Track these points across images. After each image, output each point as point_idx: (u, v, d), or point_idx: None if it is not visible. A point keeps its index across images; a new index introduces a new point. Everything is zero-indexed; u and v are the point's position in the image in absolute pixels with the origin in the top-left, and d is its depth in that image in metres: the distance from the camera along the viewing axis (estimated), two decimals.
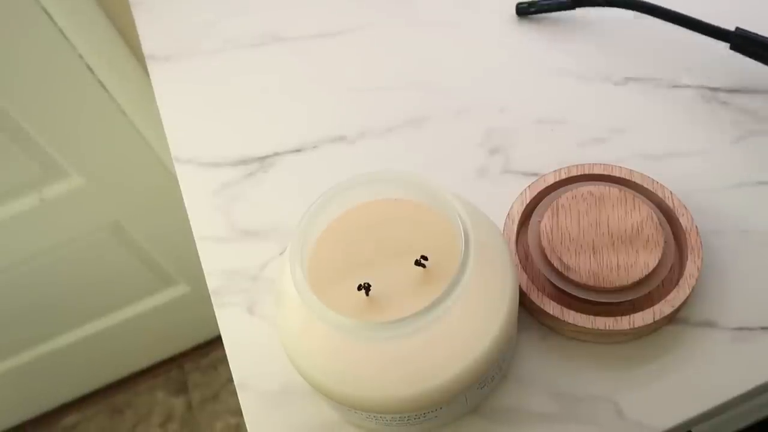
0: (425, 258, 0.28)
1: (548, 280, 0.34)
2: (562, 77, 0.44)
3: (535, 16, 0.47)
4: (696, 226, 0.34)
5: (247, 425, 0.34)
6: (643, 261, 0.33)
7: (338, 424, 0.33)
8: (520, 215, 0.36)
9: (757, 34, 0.34)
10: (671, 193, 0.35)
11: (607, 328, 0.32)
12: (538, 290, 0.33)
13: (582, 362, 0.34)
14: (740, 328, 0.34)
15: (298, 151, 0.43)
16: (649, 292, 0.33)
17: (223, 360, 1.04)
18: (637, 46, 0.45)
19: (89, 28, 0.59)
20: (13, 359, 0.91)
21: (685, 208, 0.35)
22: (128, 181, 0.74)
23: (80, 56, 0.59)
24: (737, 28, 0.31)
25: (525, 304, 0.34)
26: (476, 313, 0.28)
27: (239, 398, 0.35)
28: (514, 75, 0.45)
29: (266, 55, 0.48)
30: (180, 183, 0.43)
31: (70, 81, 0.61)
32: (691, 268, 0.33)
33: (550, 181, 0.37)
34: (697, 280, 0.33)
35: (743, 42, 0.35)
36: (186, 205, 0.42)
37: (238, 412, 0.95)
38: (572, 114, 0.42)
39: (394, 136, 0.43)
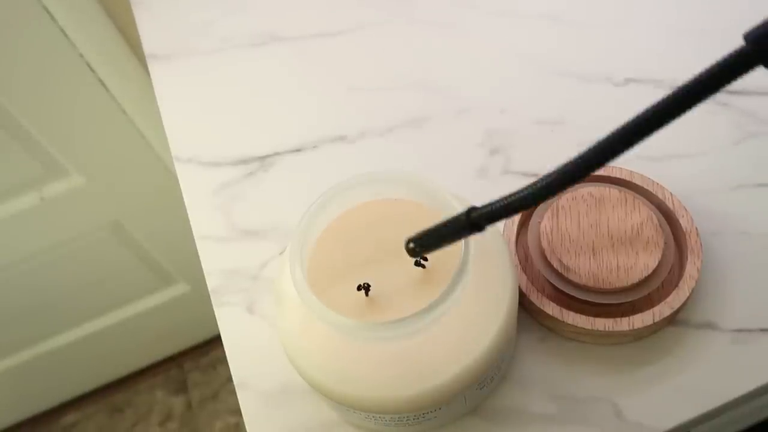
0: (425, 258, 0.28)
1: (548, 281, 0.34)
2: (562, 78, 0.44)
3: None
4: (696, 228, 0.34)
5: (246, 425, 0.34)
6: (643, 262, 0.32)
7: (338, 424, 0.33)
8: (520, 216, 0.36)
9: None
10: (671, 194, 0.35)
11: (607, 329, 0.32)
12: (537, 291, 0.33)
13: (581, 363, 0.34)
14: (740, 330, 0.34)
15: (298, 150, 0.43)
16: (649, 294, 0.33)
17: (223, 359, 1.04)
18: (637, 46, 0.45)
19: (90, 26, 0.59)
20: (12, 358, 0.91)
21: (685, 209, 0.35)
22: (128, 180, 0.74)
23: (81, 55, 0.59)
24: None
25: (525, 305, 0.34)
26: (476, 314, 0.28)
27: (239, 398, 0.35)
28: (514, 75, 0.45)
29: (266, 55, 0.48)
30: (180, 182, 0.43)
31: (70, 80, 0.61)
32: (690, 269, 0.33)
33: None
34: (696, 281, 0.33)
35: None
36: (186, 205, 0.42)
37: (238, 412, 0.95)
38: (572, 115, 0.42)
39: (394, 136, 0.43)
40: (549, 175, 0.20)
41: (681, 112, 0.19)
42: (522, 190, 0.21)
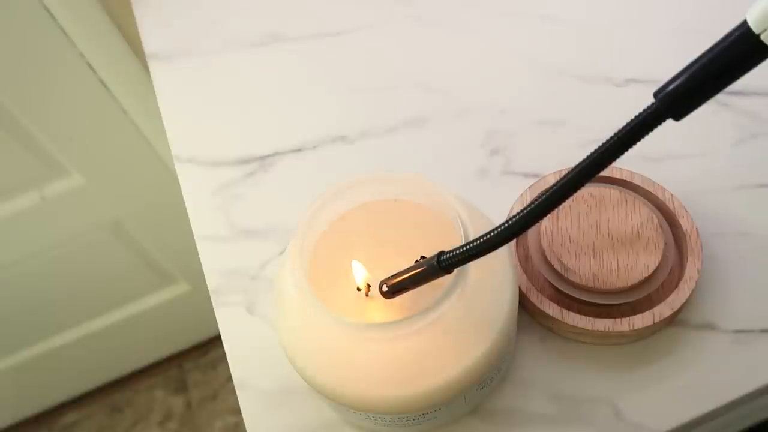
0: (425, 258, 0.28)
1: (548, 281, 0.34)
2: (563, 78, 0.44)
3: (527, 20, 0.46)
4: (696, 228, 0.34)
5: (246, 425, 0.34)
6: (643, 263, 0.32)
7: (338, 424, 0.33)
8: None
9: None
10: (672, 195, 0.35)
11: (607, 329, 0.32)
12: (537, 291, 0.33)
13: (581, 364, 0.33)
14: (740, 331, 0.34)
15: (298, 151, 0.43)
16: (649, 294, 0.33)
17: (223, 359, 1.04)
18: (638, 47, 0.45)
19: (90, 26, 0.59)
20: (12, 357, 0.91)
21: (686, 210, 0.35)
22: (129, 180, 0.74)
23: (81, 55, 0.59)
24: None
25: (525, 306, 0.34)
26: (476, 314, 0.28)
27: (238, 398, 0.35)
28: (515, 76, 0.45)
29: (266, 55, 0.48)
30: (180, 182, 0.43)
31: (71, 79, 0.61)
32: (691, 270, 0.33)
33: (551, 182, 0.37)
34: (696, 282, 0.33)
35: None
36: (186, 205, 0.42)
37: (238, 412, 0.95)
38: (573, 115, 0.42)
39: (394, 136, 0.43)
40: (509, 221, 0.23)
41: (603, 167, 0.21)
42: (486, 234, 0.23)
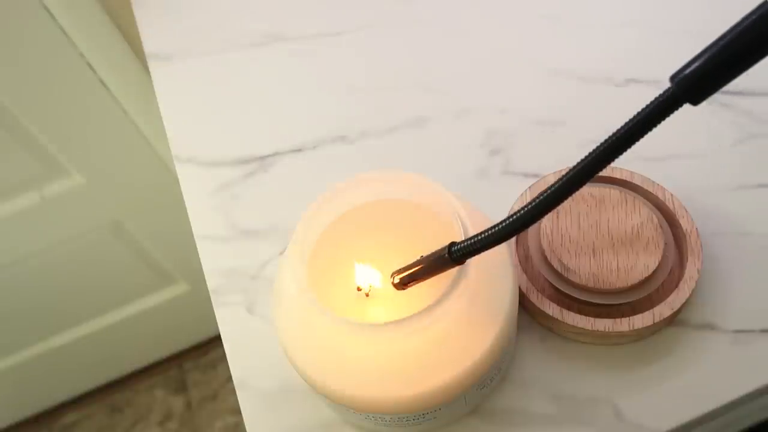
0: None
1: (548, 281, 0.34)
2: (563, 78, 0.44)
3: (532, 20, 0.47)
4: (696, 228, 0.34)
5: (246, 425, 0.34)
6: (643, 263, 0.32)
7: (337, 424, 0.33)
8: None
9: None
10: (672, 195, 0.35)
11: (607, 329, 0.32)
12: (537, 291, 0.33)
13: (581, 364, 0.33)
14: (740, 331, 0.34)
15: (298, 151, 0.43)
16: (649, 294, 0.33)
17: (223, 359, 1.04)
18: (638, 47, 0.45)
19: (90, 26, 0.59)
20: (12, 357, 0.91)
21: (686, 210, 0.35)
22: (129, 180, 0.74)
23: (81, 54, 0.59)
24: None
25: (525, 306, 0.34)
26: (476, 314, 0.28)
27: (238, 398, 0.35)
28: (514, 75, 0.45)
29: (266, 55, 0.48)
30: (180, 182, 0.43)
31: (71, 79, 0.61)
32: (691, 270, 0.33)
33: (551, 182, 0.36)
34: (696, 282, 0.33)
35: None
36: (186, 205, 0.42)
37: (238, 412, 0.95)
38: (573, 115, 0.42)
39: (394, 137, 0.43)
40: (522, 210, 0.23)
41: (619, 153, 0.21)
42: (499, 224, 0.23)
